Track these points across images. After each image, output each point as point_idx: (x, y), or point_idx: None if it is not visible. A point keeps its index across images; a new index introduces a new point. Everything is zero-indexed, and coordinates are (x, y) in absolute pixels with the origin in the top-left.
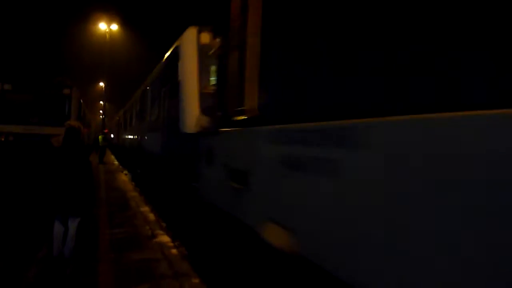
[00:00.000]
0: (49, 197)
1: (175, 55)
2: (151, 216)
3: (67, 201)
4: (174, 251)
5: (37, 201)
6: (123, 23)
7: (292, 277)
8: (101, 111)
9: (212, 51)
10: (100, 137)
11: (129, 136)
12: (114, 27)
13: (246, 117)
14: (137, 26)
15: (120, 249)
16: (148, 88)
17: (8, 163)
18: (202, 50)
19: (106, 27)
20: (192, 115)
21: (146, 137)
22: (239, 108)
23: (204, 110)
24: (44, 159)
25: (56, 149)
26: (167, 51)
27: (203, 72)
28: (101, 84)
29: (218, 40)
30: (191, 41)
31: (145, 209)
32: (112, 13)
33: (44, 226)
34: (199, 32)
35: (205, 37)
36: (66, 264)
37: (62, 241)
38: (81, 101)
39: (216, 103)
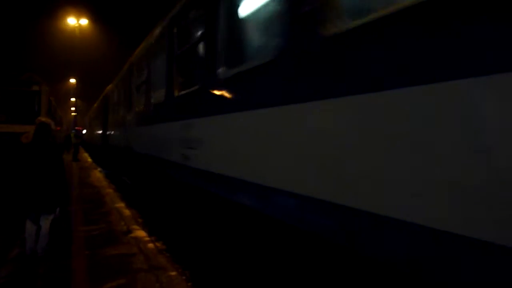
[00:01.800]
0: (21, 195)
1: None
2: (127, 212)
3: (40, 198)
4: (150, 245)
5: (8, 199)
6: (93, 18)
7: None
8: (72, 109)
9: None
10: (72, 134)
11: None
12: (84, 21)
13: None
14: (108, 20)
15: (95, 245)
16: None
17: None
18: None
19: (76, 21)
20: None
21: None
22: None
23: None
24: (14, 156)
25: (25, 146)
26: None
27: None
28: (72, 80)
29: None
30: None
31: (121, 205)
32: (82, 7)
33: (16, 224)
34: None
35: None
36: (40, 263)
37: (35, 239)
38: (51, 98)
39: None
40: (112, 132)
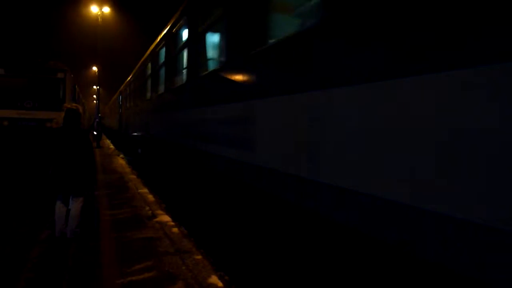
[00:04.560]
0: (50, 178)
1: None
2: (150, 197)
3: (69, 182)
4: (175, 230)
5: (38, 183)
6: (115, 6)
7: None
8: (94, 96)
9: None
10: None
11: None
12: (106, 9)
13: None
14: (129, 8)
15: (122, 229)
16: None
17: (5, 147)
18: None
19: (98, 9)
20: None
21: None
22: None
23: None
24: (44, 141)
25: (56, 131)
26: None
27: None
28: (94, 68)
29: None
30: None
31: (144, 190)
32: None
33: (45, 207)
34: None
35: None
36: (69, 244)
37: (64, 222)
38: (76, 85)
39: None
40: None
